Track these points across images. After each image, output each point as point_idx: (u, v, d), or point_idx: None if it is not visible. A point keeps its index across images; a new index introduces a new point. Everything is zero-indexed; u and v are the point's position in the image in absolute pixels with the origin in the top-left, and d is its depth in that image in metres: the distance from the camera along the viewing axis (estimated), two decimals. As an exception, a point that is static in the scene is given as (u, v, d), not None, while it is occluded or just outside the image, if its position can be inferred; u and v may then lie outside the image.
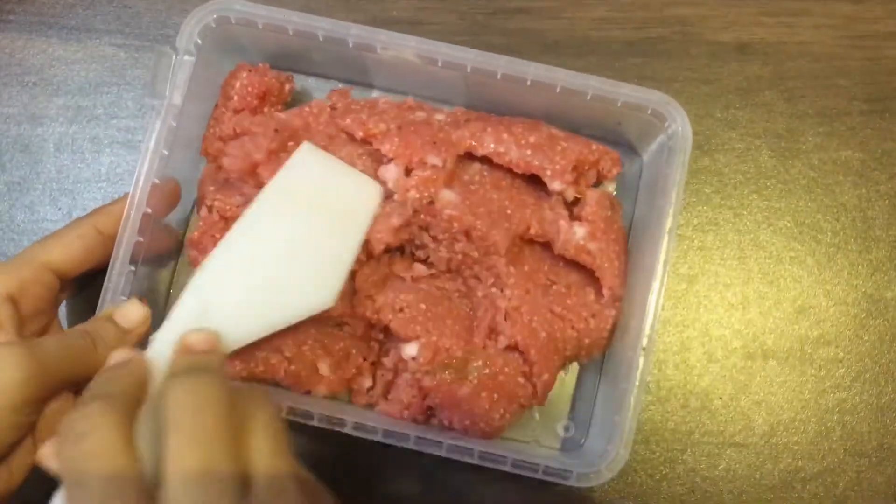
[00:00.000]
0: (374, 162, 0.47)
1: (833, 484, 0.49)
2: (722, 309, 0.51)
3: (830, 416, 0.50)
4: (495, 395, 0.44)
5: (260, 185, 0.45)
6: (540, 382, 0.45)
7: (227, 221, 0.47)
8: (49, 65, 0.53)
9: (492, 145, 0.46)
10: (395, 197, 0.45)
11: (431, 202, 0.45)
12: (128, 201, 0.43)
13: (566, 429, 0.48)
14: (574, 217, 0.47)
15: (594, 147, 0.47)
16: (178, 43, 0.44)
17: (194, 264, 0.47)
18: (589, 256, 0.46)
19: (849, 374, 0.50)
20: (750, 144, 0.52)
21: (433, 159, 0.45)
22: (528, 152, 0.46)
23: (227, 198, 0.47)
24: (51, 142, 0.52)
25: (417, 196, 0.45)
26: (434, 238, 0.46)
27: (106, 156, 0.52)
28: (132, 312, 0.42)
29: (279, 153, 0.46)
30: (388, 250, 0.47)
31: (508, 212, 0.46)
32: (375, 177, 0.46)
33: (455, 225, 0.45)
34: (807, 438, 0.50)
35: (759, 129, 0.52)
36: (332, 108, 0.48)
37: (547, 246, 0.48)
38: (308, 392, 0.46)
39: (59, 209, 0.52)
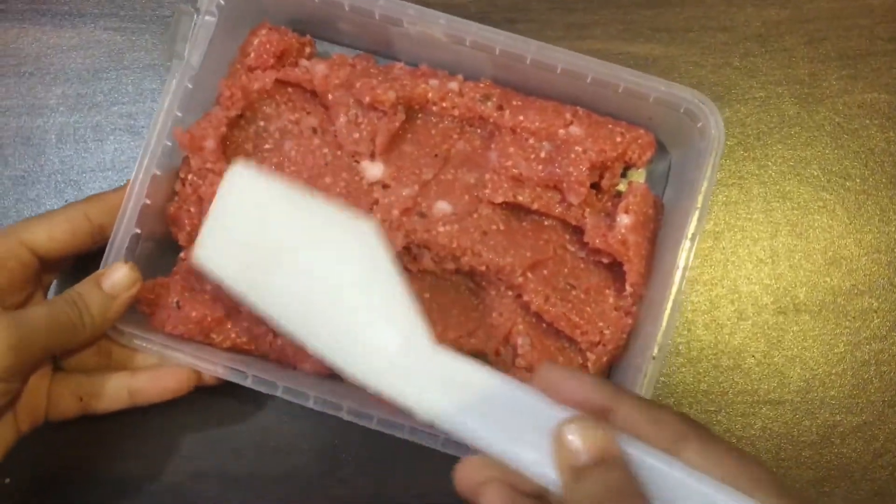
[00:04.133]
0: (371, 140, 0.45)
1: (873, 437, 0.48)
2: (750, 264, 0.49)
3: (867, 368, 0.49)
4: None
5: (219, 165, 0.44)
6: None
7: (200, 198, 0.46)
8: (45, 53, 0.51)
9: (499, 160, 0.44)
10: (378, 216, 0.44)
11: (423, 216, 0.44)
12: (138, 162, 0.42)
13: None
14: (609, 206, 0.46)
15: (618, 139, 0.45)
16: (200, 3, 0.43)
17: (174, 237, 0.46)
18: (623, 248, 0.43)
19: (884, 323, 0.49)
20: (771, 92, 0.50)
21: (427, 173, 0.44)
22: (539, 167, 0.44)
23: (201, 174, 0.45)
24: (52, 133, 0.51)
25: (399, 213, 0.44)
26: (434, 259, 0.45)
27: (109, 143, 0.51)
28: (117, 276, 0.41)
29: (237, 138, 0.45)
30: None
31: (526, 238, 0.45)
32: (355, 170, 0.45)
33: (456, 253, 0.44)
34: (843, 392, 0.48)
35: (779, 75, 0.50)
36: (352, 65, 0.46)
37: (570, 240, 0.46)
38: (294, 368, 0.45)
39: (66, 201, 0.50)
